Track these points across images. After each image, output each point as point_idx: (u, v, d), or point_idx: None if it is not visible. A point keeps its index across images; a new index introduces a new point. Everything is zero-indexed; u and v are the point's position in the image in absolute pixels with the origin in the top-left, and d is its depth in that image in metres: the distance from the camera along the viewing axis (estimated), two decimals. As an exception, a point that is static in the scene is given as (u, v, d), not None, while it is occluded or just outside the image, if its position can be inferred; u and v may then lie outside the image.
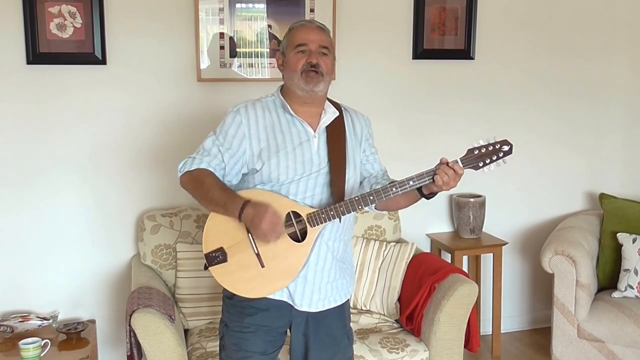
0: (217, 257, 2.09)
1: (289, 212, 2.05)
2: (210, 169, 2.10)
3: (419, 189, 2.06)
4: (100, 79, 3.15)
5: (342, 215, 2.04)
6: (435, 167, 2.02)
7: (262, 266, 2.05)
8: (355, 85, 3.45)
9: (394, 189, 2.02)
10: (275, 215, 1.98)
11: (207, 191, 2.06)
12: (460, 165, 2.01)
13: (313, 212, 2.04)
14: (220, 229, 2.08)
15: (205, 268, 2.13)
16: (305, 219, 2.05)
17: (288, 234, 2.06)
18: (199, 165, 2.10)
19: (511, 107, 3.80)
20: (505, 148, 2.02)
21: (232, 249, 2.08)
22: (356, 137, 2.22)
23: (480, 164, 2.03)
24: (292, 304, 2.15)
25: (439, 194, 2.08)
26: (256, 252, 2.05)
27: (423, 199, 2.11)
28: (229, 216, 2.04)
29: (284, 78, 2.16)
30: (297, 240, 2.07)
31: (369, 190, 2.09)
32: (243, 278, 2.08)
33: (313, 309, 2.17)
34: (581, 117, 3.96)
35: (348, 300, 2.30)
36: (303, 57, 2.08)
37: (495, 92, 3.77)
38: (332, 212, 2.03)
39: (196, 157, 2.12)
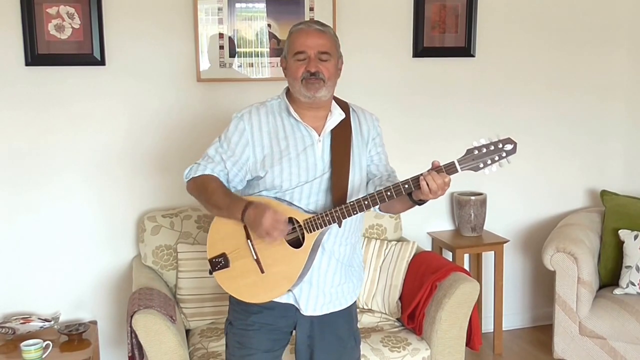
0: (219, 262, 2.10)
1: (291, 218, 2.03)
2: (214, 175, 2.11)
3: (410, 195, 1.96)
4: (100, 80, 3.14)
5: (338, 220, 2.00)
6: (427, 171, 1.90)
7: (262, 272, 2.06)
8: (355, 84, 3.44)
9: (388, 193, 1.94)
10: (277, 213, 1.96)
11: (211, 195, 2.08)
12: (458, 167, 1.88)
13: (309, 218, 2.02)
14: (223, 234, 2.09)
15: (210, 273, 2.14)
16: (302, 224, 2.03)
17: (288, 241, 2.05)
18: (203, 172, 2.12)
19: (512, 105, 3.79)
20: (509, 147, 1.85)
21: (233, 254, 2.09)
22: (363, 139, 2.18)
23: (481, 165, 1.87)
24: (297, 307, 2.15)
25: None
26: (255, 257, 2.05)
27: (416, 205, 2.01)
28: (232, 218, 2.05)
29: (288, 82, 2.13)
30: (299, 247, 2.05)
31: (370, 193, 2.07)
32: (245, 284, 2.09)
33: (318, 312, 2.16)
34: (582, 114, 3.95)
35: (355, 302, 2.29)
36: (302, 65, 2.04)
37: (496, 90, 3.76)
38: (327, 218, 2.00)
39: (201, 163, 2.14)
